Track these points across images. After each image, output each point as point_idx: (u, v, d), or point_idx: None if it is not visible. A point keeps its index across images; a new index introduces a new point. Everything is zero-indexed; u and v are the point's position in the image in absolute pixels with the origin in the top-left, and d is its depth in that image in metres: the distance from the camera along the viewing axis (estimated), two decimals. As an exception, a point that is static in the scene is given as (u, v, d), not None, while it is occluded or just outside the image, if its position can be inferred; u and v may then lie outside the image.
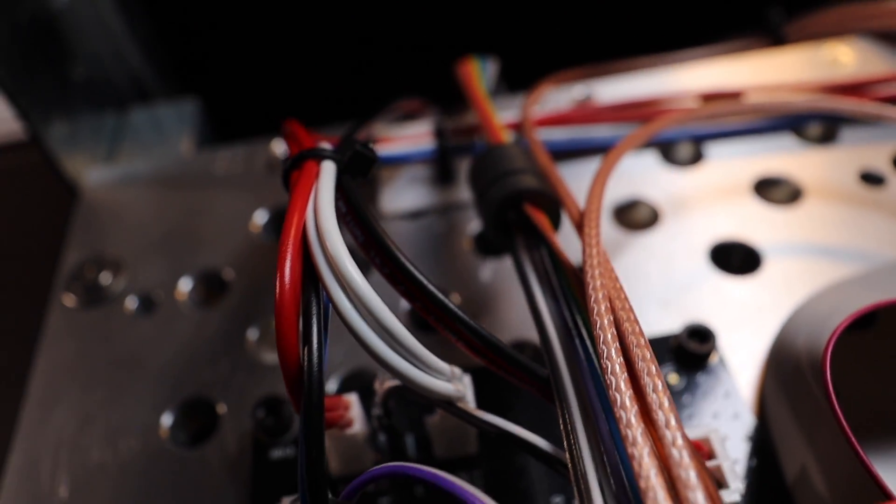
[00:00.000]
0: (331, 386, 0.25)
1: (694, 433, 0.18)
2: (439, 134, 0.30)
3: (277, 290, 0.15)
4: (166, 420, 0.25)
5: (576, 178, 0.30)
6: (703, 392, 0.23)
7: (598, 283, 0.16)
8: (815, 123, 0.31)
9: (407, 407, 0.21)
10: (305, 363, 0.14)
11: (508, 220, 0.22)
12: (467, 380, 0.19)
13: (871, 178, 0.29)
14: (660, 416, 0.13)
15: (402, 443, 0.22)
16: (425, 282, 0.16)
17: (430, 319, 0.17)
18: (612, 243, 0.28)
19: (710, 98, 0.32)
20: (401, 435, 0.22)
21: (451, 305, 0.16)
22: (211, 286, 0.29)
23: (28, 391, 0.26)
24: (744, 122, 0.31)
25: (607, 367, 0.15)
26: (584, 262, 0.18)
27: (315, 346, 0.15)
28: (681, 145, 0.31)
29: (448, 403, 0.17)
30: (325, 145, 0.20)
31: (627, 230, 0.28)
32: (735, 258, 0.27)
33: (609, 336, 0.15)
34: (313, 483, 0.14)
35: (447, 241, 0.29)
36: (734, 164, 0.30)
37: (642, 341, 0.15)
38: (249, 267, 0.30)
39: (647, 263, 0.27)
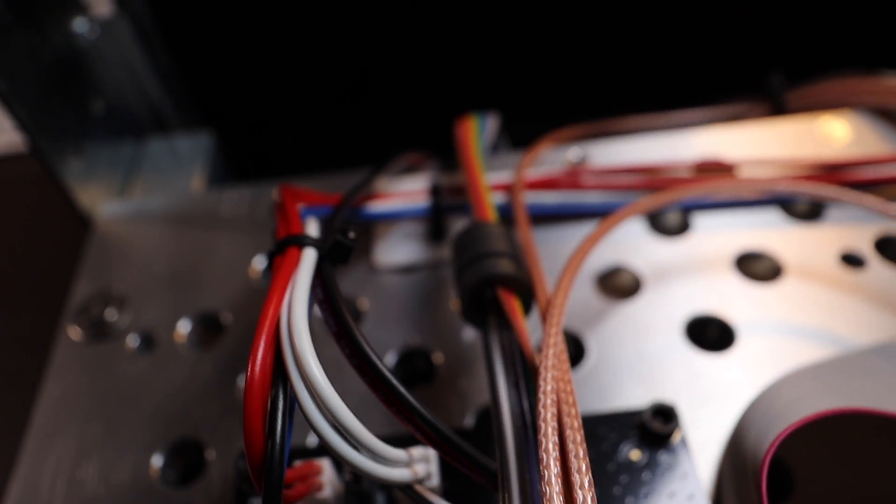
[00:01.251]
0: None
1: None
2: (434, 192, 0.31)
3: (247, 380, 0.16)
4: (157, 460, 0.26)
5: (561, 243, 0.31)
6: (662, 470, 0.24)
7: (549, 386, 0.17)
8: (801, 200, 0.32)
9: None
10: (269, 454, 0.16)
11: (483, 301, 0.23)
12: (432, 454, 0.20)
13: (852, 260, 0.30)
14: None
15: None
16: (389, 376, 0.17)
17: (391, 410, 0.18)
18: (593, 310, 0.29)
19: (703, 167, 0.32)
20: (371, 497, 0.23)
21: (412, 400, 0.17)
22: (208, 328, 0.31)
23: (31, 421, 0.28)
24: (732, 194, 0.32)
25: (542, 460, 0.16)
26: (540, 359, 0.19)
27: (278, 439, 0.16)
28: (669, 214, 0.32)
29: (407, 487, 0.18)
30: (312, 229, 0.21)
31: (608, 297, 0.29)
32: (710, 333, 0.28)
33: (550, 430, 0.16)
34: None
35: (435, 298, 0.30)
36: (719, 236, 0.31)
37: (578, 438, 0.16)
38: (246, 311, 0.31)
39: (624, 333, 0.28)
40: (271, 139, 0.47)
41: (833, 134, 0.34)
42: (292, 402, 0.17)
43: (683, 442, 0.24)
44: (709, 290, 0.29)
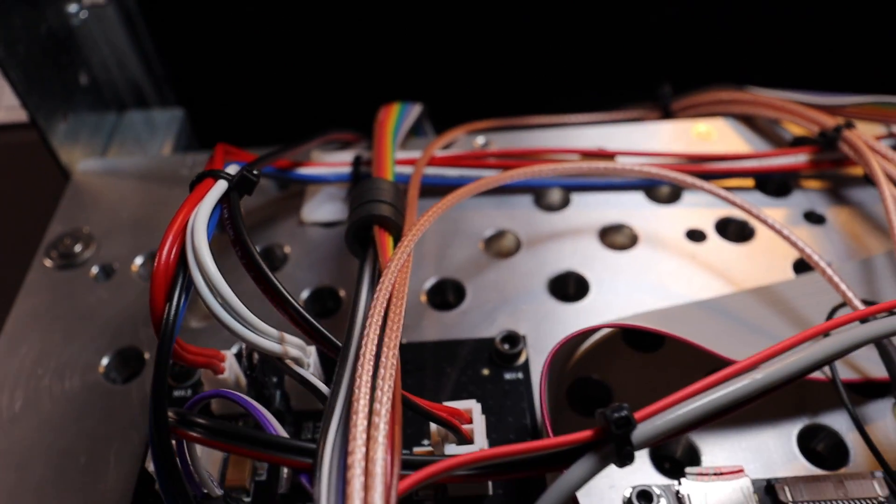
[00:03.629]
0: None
1: (463, 405, 0.25)
2: (356, 162, 0.37)
3: (155, 265, 0.22)
4: (104, 361, 0.32)
5: (458, 210, 0.37)
6: (505, 385, 0.29)
7: (382, 304, 0.23)
8: (664, 186, 0.38)
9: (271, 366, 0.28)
10: (165, 314, 0.22)
11: (365, 236, 0.29)
12: (312, 350, 0.26)
13: (695, 236, 0.36)
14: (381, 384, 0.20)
15: (270, 395, 0.29)
16: (266, 270, 0.23)
17: (269, 299, 0.24)
18: (475, 265, 0.35)
19: (587, 155, 0.39)
20: (266, 388, 0.29)
21: (282, 289, 0.23)
22: (158, 264, 0.37)
23: (3, 330, 0.34)
24: (609, 179, 0.38)
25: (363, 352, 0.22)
26: (381, 281, 0.24)
27: (174, 303, 0.22)
28: (552, 192, 0.38)
29: (278, 359, 0.24)
30: (232, 168, 0.27)
31: (491, 256, 0.35)
32: (568, 287, 0.34)
33: (374, 335, 0.22)
34: (157, 391, 0.21)
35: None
36: (590, 212, 0.37)
37: (393, 345, 0.22)
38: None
39: (497, 283, 0.34)
40: (238, 116, 0.53)
41: (703, 135, 0.41)
42: (189, 281, 0.22)
43: (526, 364, 0.30)
44: (573, 254, 0.35)
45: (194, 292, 0.23)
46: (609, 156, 0.38)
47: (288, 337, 0.24)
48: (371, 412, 0.20)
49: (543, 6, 0.50)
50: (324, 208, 0.37)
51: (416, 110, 0.41)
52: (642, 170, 0.34)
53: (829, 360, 0.22)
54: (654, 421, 0.20)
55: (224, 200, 0.26)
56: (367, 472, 0.18)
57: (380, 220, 0.28)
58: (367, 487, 0.18)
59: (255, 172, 0.26)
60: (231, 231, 0.25)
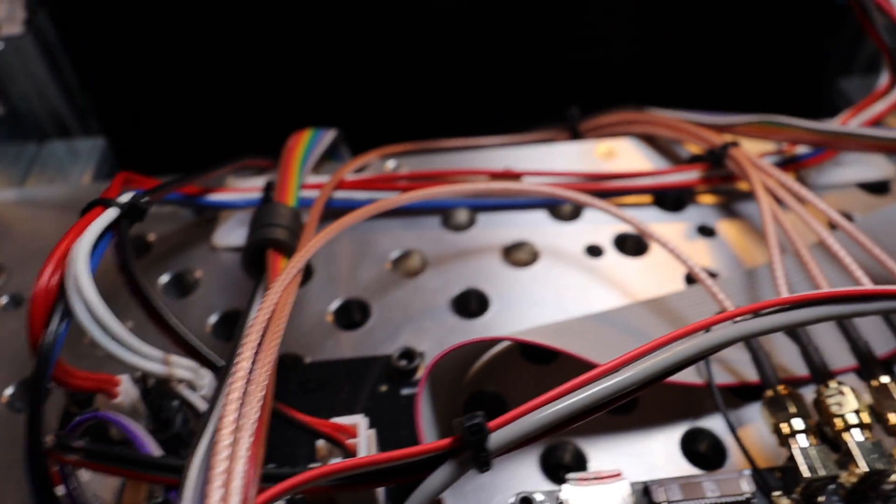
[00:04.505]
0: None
1: (349, 420, 0.26)
2: (266, 188, 0.38)
3: (33, 291, 0.23)
4: (8, 391, 0.32)
5: (366, 232, 0.38)
6: (401, 400, 0.30)
7: (261, 323, 0.24)
8: (565, 204, 0.39)
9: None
10: (43, 338, 0.22)
11: (259, 259, 0.30)
12: (207, 373, 0.27)
13: (594, 251, 0.37)
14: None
15: (167, 418, 0.29)
16: (147, 290, 0.24)
17: (151, 321, 0.24)
18: (386, 284, 0.36)
19: (495, 176, 0.40)
20: (164, 411, 0.29)
21: (159, 307, 0.24)
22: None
23: None
24: (514, 199, 0.39)
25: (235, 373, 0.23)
26: (263, 300, 0.25)
27: (52, 328, 0.22)
28: (459, 212, 0.39)
29: (164, 381, 0.25)
30: (126, 196, 0.28)
31: (398, 275, 0.36)
32: (470, 303, 0.35)
33: (249, 353, 0.23)
34: (32, 417, 0.21)
35: (259, 272, 0.37)
36: (495, 230, 0.38)
37: (266, 362, 0.23)
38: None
39: (402, 302, 0.35)
40: (162, 144, 0.53)
41: (606, 154, 0.42)
42: (69, 307, 0.23)
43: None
44: (476, 271, 0.36)
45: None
46: (516, 176, 0.39)
47: (176, 359, 0.25)
48: (238, 428, 0.20)
49: (461, 36, 0.52)
50: (236, 233, 0.38)
51: (329, 135, 0.43)
52: (541, 189, 0.35)
53: (690, 361, 0.23)
54: (510, 428, 0.21)
55: (115, 227, 0.26)
56: (227, 486, 0.19)
57: (273, 244, 0.29)
58: (224, 500, 0.18)
59: (144, 200, 0.27)
60: (117, 258, 0.25)
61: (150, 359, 0.24)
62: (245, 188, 0.39)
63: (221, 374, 0.24)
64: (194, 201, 0.37)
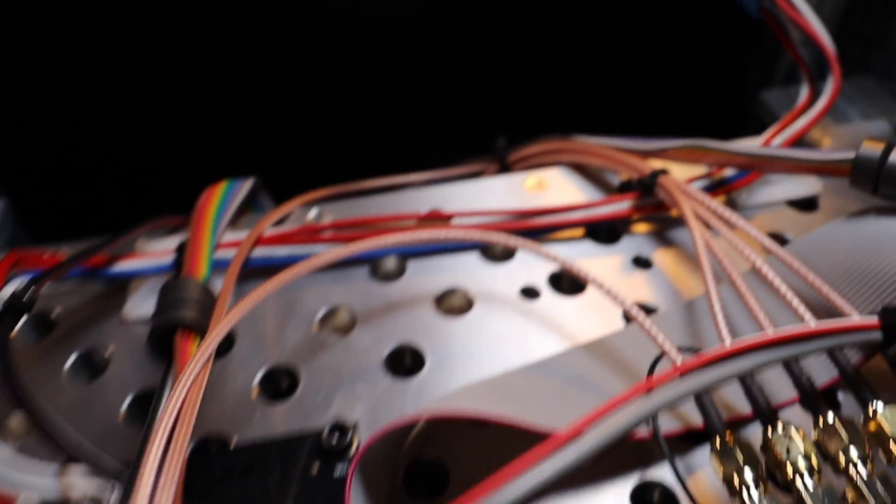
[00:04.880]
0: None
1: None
2: (179, 250, 0.35)
3: None
4: None
5: (290, 291, 0.36)
6: (335, 480, 0.28)
7: (166, 426, 0.22)
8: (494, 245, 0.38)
9: None
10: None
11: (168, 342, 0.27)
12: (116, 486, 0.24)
13: (529, 293, 0.36)
14: None
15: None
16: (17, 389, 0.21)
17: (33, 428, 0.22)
18: (314, 346, 0.34)
19: (424, 219, 0.38)
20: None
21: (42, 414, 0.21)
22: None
23: None
24: (444, 242, 0.38)
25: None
26: (171, 394, 0.23)
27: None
28: (387, 260, 0.38)
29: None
30: (8, 289, 0.25)
31: (329, 334, 0.34)
32: (405, 361, 0.34)
33: (153, 459, 0.21)
34: None
35: (177, 344, 0.34)
36: (426, 278, 0.37)
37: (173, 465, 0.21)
38: None
39: (333, 365, 0.33)
40: (64, 206, 0.50)
41: (535, 187, 0.41)
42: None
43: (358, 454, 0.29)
44: (409, 325, 0.34)
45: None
46: (445, 218, 0.38)
47: (75, 473, 0.23)
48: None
49: (380, 68, 0.50)
50: (149, 303, 0.35)
51: (246, 186, 0.40)
52: (470, 236, 0.34)
53: (641, 420, 0.22)
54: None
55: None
56: None
57: (181, 326, 0.27)
58: None
59: (26, 299, 0.24)
60: (-2, 364, 0.23)
61: (41, 476, 0.21)
62: (156, 252, 0.36)
63: (126, 482, 0.21)
64: (100, 274, 0.34)
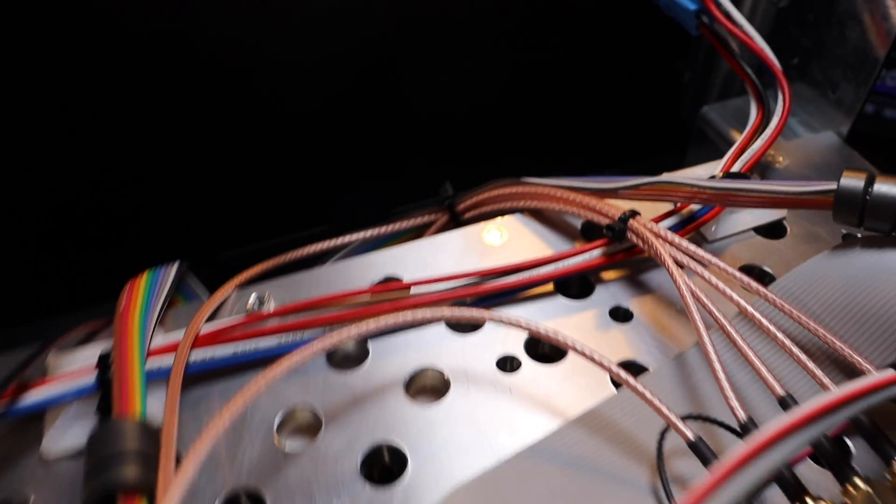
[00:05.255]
0: None
1: None
2: (101, 364, 0.30)
3: None
4: None
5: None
6: None
7: None
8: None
9: None
10: None
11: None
12: None
13: (506, 365, 0.33)
14: None
15: None
16: None
17: None
18: (277, 460, 0.29)
19: (379, 291, 0.34)
20: None
21: None
22: None
23: None
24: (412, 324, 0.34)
25: None
26: None
27: None
28: (347, 345, 0.34)
29: None
30: None
31: (289, 444, 0.30)
32: (384, 463, 0.30)
33: None
34: None
35: (112, 479, 0.29)
36: (392, 360, 0.33)
37: None
38: None
39: (308, 479, 0.29)
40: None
41: (494, 240, 0.38)
42: None
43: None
44: (382, 420, 0.31)
45: None
46: (403, 288, 0.34)
47: None
48: None
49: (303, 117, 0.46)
50: (70, 433, 0.30)
51: (172, 274, 0.35)
52: (437, 315, 0.30)
53: None
54: None
55: None
56: None
57: (120, 490, 0.22)
58: None
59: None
60: None
61: None
62: (73, 372, 0.31)
63: None
64: (7, 413, 0.29)
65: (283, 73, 0.45)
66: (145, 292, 0.33)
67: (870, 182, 0.29)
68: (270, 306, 0.34)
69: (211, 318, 0.34)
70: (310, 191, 0.51)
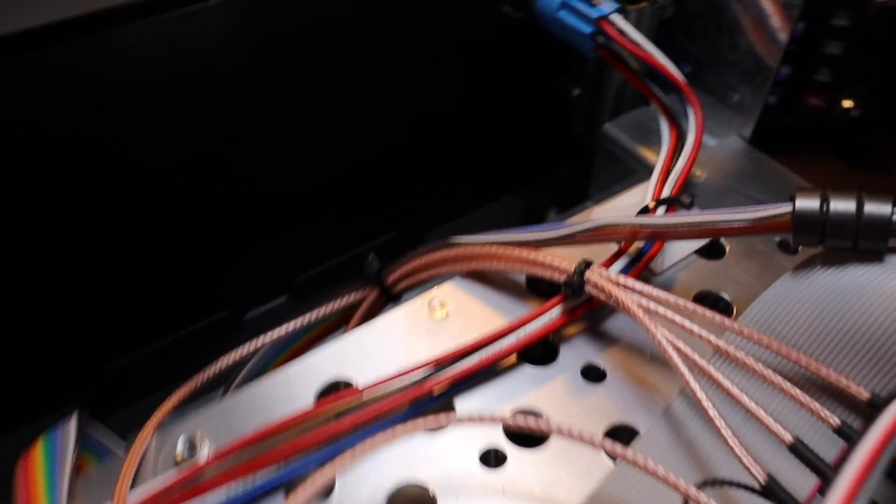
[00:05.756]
0: None
1: None
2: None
3: None
4: None
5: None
6: None
7: None
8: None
9: None
10: None
11: None
12: None
13: (491, 460, 0.29)
14: None
15: None
16: None
17: None
18: None
19: (332, 403, 0.30)
20: None
21: None
22: None
23: None
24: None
25: None
26: None
27: None
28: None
29: None
30: None
31: None
32: None
33: None
34: None
35: None
36: (370, 480, 0.29)
37: None
38: None
39: None
40: None
41: (442, 318, 0.34)
42: None
43: None
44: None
45: None
46: (356, 394, 0.30)
47: None
48: None
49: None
50: None
51: (72, 432, 0.29)
52: (407, 430, 0.27)
53: None
54: None
55: None
56: None
57: None
58: None
59: None
60: None
61: None
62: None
63: None
64: None
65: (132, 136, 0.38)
66: (45, 468, 0.27)
67: (824, 200, 0.29)
68: (205, 451, 0.29)
69: (135, 481, 0.28)
70: (197, 273, 0.45)
